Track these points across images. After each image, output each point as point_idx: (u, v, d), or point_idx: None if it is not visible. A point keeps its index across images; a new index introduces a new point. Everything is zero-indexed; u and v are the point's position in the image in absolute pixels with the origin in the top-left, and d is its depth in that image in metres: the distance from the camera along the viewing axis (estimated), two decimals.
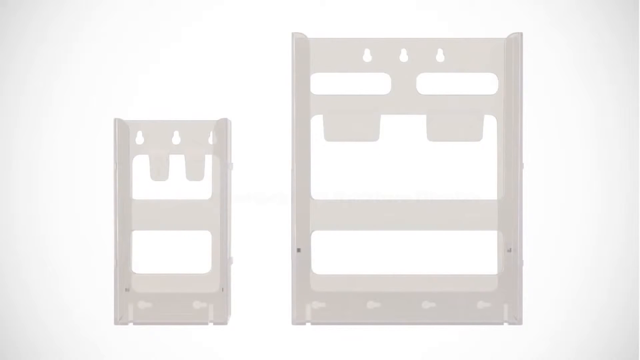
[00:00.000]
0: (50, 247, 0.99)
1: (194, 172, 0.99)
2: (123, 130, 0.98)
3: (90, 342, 0.97)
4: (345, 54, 0.98)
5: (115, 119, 0.98)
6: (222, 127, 0.98)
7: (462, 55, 0.98)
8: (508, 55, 0.97)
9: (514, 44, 0.96)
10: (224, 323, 0.98)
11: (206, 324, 0.98)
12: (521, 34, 0.95)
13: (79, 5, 0.99)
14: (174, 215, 0.98)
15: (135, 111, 0.99)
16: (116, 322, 0.98)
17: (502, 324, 0.98)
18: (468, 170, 1.00)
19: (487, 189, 0.99)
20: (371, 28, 0.99)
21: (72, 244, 0.99)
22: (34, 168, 0.99)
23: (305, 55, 0.97)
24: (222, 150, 0.97)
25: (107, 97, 0.99)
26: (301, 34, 0.96)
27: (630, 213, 0.99)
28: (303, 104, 0.97)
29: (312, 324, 0.98)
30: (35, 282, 0.99)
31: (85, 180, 1.00)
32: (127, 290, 0.98)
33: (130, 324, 0.98)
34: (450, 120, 0.98)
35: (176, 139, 0.99)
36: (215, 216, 0.98)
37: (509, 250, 0.98)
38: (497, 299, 0.98)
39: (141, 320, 0.98)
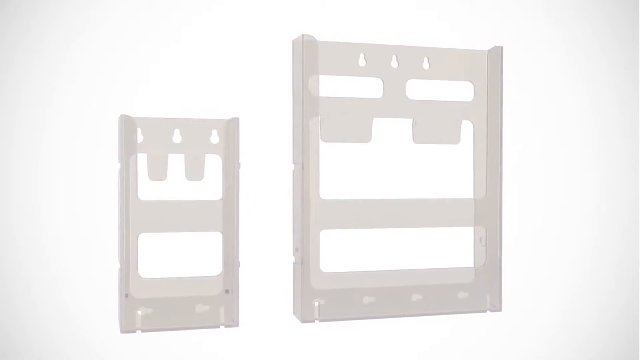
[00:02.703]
0: (50, 248, 0.91)
1: (194, 172, 0.97)
2: (130, 127, 0.93)
3: (94, 346, 0.91)
4: (343, 57, 1.01)
5: (121, 115, 0.92)
6: (232, 127, 0.96)
7: (445, 64, 1.05)
8: (491, 66, 1.06)
9: (495, 56, 1.05)
10: (235, 325, 0.96)
11: (217, 327, 0.95)
12: (501, 47, 1.05)
13: (82, 3, 0.92)
14: (183, 217, 0.95)
15: (136, 110, 0.94)
16: (122, 330, 0.92)
17: (485, 311, 1.06)
18: (450, 170, 1.07)
19: (468, 188, 1.07)
20: (370, 31, 1.03)
21: (75, 246, 0.92)
22: (34, 167, 0.91)
23: (314, 57, 0.99)
24: (232, 150, 0.96)
25: (110, 96, 0.94)
26: (311, 36, 0.98)
27: (630, 212, 1.13)
28: (310, 104, 0.99)
29: (320, 321, 0.99)
30: (36, 286, 0.90)
31: (87, 180, 0.93)
32: (126, 296, 0.93)
33: (138, 332, 0.93)
34: (433, 124, 1.05)
35: (177, 138, 0.96)
36: (227, 217, 0.96)
37: (480, 240, 1.07)
38: (477, 289, 1.06)
39: (149, 327, 0.93)
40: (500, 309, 1.06)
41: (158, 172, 0.96)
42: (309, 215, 0.99)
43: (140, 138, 0.95)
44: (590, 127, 1.11)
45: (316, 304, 0.99)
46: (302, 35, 0.98)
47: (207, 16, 0.98)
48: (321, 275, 1.00)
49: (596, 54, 1.10)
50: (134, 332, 0.92)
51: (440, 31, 1.06)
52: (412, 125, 1.05)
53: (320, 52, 1.00)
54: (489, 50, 1.06)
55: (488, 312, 1.06)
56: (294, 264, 1.00)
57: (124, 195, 0.92)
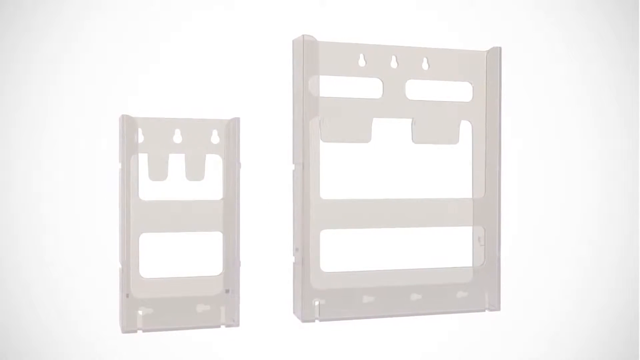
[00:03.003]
0: (50, 248, 0.91)
1: (194, 172, 0.97)
2: (131, 127, 0.93)
3: (95, 346, 0.91)
4: (343, 57, 1.01)
5: (122, 116, 0.92)
6: (233, 127, 0.96)
7: (444, 65, 1.06)
8: (490, 66, 1.06)
9: (493, 57, 1.06)
10: (236, 325, 0.96)
11: (218, 326, 0.96)
12: (500, 48, 1.06)
13: (82, 3, 0.92)
14: (184, 217, 0.95)
15: (137, 110, 0.94)
16: (123, 330, 0.92)
17: (483, 310, 1.07)
18: (449, 170, 1.08)
19: (467, 188, 1.08)
20: (369, 31, 1.04)
21: (75, 246, 0.92)
22: (34, 167, 0.91)
23: (314, 57, 0.99)
24: (233, 150, 0.96)
25: (110, 96, 0.94)
26: (311, 36, 0.99)
27: (630, 212, 1.13)
28: (311, 105, 0.99)
29: (320, 320, 1.00)
30: (36, 286, 0.90)
31: (87, 180, 0.93)
32: (127, 296, 0.93)
33: (139, 332, 0.93)
34: (432, 125, 1.05)
35: (178, 138, 0.96)
36: (228, 217, 0.96)
37: (479, 240, 1.07)
38: (475, 289, 1.07)
39: (150, 327, 0.93)
40: (498, 309, 1.07)
41: (159, 172, 0.96)
42: (309, 215, 0.99)
43: (141, 138, 0.95)
44: (590, 127, 1.12)
45: (316, 303, 1.00)
46: (303, 35, 0.98)
47: (207, 16, 0.98)
48: (321, 275, 1.01)
49: (596, 54, 1.11)
50: (135, 332, 0.92)
51: (440, 32, 1.06)
52: (412, 125, 1.05)
53: (320, 52, 1.00)
54: (487, 51, 1.06)
55: (487, 311, 1.07)
56: (294, 263, 1.01)
57: (125, 195, 0.92)
